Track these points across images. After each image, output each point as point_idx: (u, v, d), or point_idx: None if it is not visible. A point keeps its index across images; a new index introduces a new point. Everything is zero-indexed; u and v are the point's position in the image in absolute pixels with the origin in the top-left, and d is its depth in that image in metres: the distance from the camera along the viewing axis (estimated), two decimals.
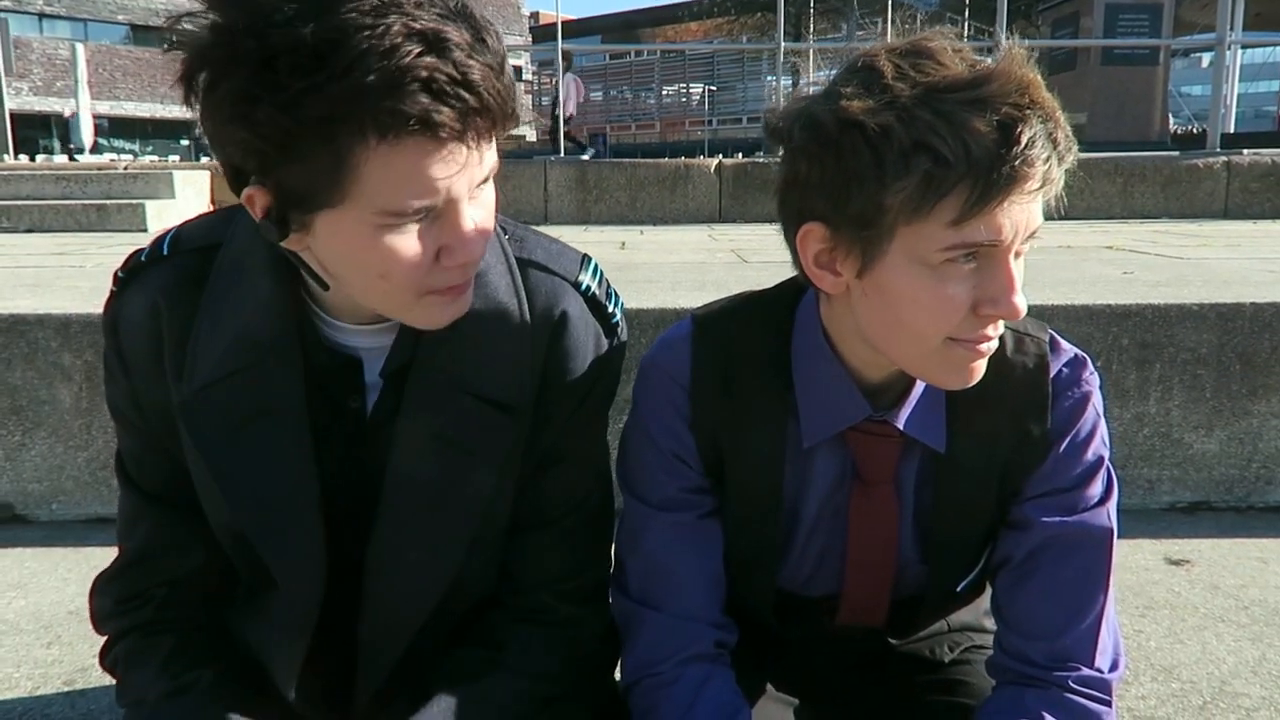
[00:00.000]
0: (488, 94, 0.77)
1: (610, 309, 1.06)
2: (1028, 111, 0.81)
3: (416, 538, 1.00)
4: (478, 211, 0.86)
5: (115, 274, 1.01)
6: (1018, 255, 0.88)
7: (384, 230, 0.81)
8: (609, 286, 1.08)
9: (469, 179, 0.82)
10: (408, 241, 0.82)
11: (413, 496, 0.99)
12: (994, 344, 0.93)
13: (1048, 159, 0.82)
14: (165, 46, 0.78)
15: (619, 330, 1.08)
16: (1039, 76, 0.84)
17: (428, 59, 0.74)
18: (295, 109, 0.72)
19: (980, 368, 0.94)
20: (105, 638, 1.09)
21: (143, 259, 1.00)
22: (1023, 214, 0.84)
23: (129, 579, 1.06)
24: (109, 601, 1.07)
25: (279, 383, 0.95)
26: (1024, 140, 0.80)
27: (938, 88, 0.82)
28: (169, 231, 1.02)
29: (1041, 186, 0.84)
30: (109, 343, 1.01)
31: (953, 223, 0.83)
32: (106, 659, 1.09)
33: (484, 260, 0.97)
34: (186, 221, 1.04)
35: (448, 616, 1.07)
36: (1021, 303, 0.87)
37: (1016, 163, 0.80)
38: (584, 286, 1.04)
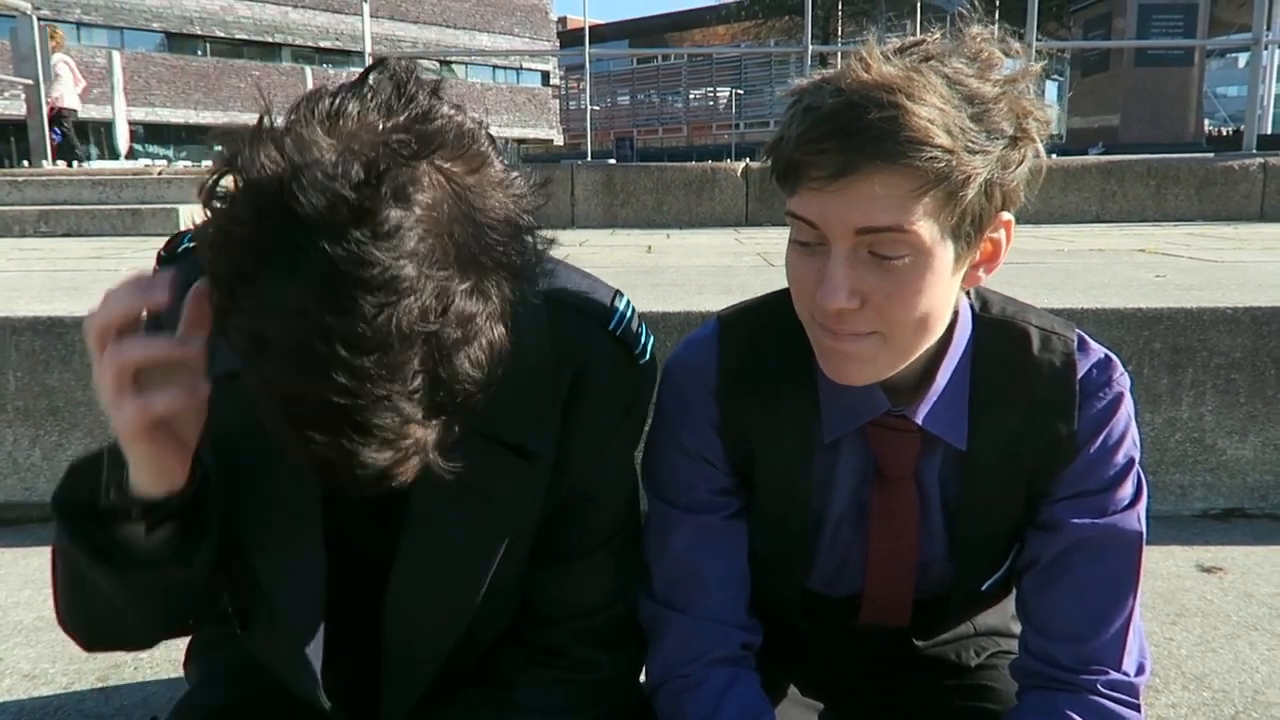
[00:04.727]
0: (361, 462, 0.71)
1: (638, 349, 1.02)
2: (835, 101, 0.83)
3: (434, 580, 0.98)
4: None
5: (159, 254, 1.00)
6: (874, 254, 0.86)
7: None
8: (639, 324, 1.04)
9: None
10: None
11: (431, 540, 0.97)
12: (859, 345, 0.90)
13: (842, 154, 0.82)
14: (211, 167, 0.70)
15: (647, 371, 1.05)
16: (895, 74, 0.83)
17: (319, 437, 0.69)
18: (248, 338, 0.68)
19: (846, 367, 0.93)
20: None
21: (187, 241, 0.98)
22: (841, 204, 0.84)
23: None
24: None
25: None
26: (804, 128, 0.84)
27: (821, 79, 0.88)
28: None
29: (838, 177, 0.83)
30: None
31: (788, 193, 0.90)
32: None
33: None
34: None
35: (468, 655, 1.05)
36: (829, 294, 0.87)
37: (796, 149, 0.85)
38: (612, 327, 1.00)
